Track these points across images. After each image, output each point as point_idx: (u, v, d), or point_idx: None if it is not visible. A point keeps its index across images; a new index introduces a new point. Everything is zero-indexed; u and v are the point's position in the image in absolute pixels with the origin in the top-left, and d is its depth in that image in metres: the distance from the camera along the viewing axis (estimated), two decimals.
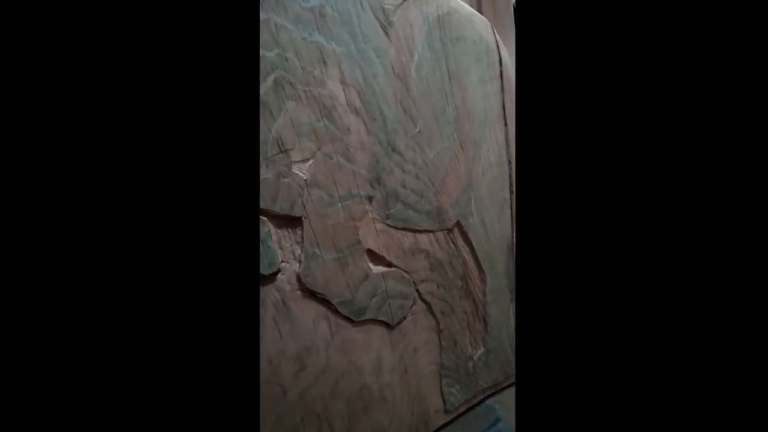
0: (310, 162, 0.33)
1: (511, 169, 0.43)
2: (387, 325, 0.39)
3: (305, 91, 0.32)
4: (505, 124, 0.42)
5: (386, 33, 0.34)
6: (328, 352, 0.36)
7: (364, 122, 0.34)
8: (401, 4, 0.34)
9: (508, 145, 0.42)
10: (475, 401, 0.46)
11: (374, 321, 0.38)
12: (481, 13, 0.40)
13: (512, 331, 0.47)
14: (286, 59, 0.31)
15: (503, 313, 0.45)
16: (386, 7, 0.34)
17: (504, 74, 0.41)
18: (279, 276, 0.34)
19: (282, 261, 0.34)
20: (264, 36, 0.30)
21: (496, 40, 0.40)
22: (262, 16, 0.30)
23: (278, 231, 0.33)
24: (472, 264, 0.43)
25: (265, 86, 0.30)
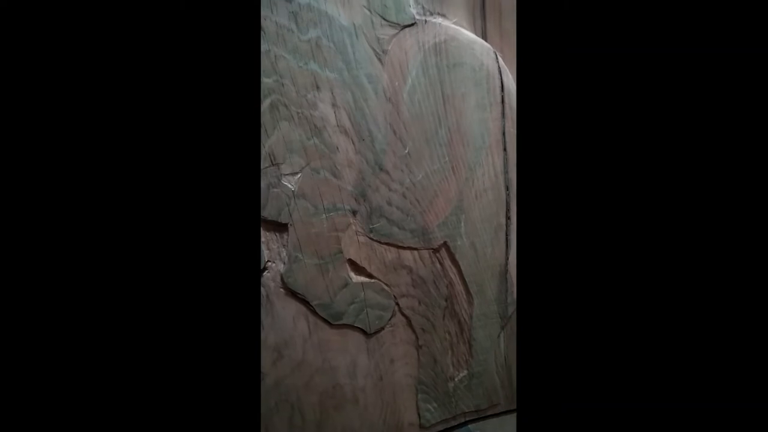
0: (299, 175, 0.36)
1: (509, 195, 0.42)
2: (364, 332, 0.41)
3: (298, 113, 0.36)
4: (505, 150, 0.41)
5: (380, 60, 0.37)
6: (305, 348, 0.40)
7: (352, 142, 0.37)
8: (397, 33, 0.37)
9: (506, 172, 0.42)
10: (454, 422, 0.46)
11: (352, 326, 0.41)
12: (486, 39, 0.40)
13: (501, 359, 0.46)
14: (283, 85, 0.35)
15: (491, 339, 0.45)
16: (381, 37, 0.36)
17: (506, 100, 0.41)
18: (265, 274, 0.38)
19: (268, 261, 0.38)
20: (264, 64, 0.34)
21: (499, 67, 0.40)
22: (264, 47, 0.34)
23: (266, 234, 0.37)
24: (459, 286, 0.43)
25: (262, 108, 0.35)
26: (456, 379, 0.45)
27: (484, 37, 0.39)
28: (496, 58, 0.39)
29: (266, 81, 0.34)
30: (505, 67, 0.40)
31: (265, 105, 0.34)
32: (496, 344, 0.45)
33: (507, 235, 0.43)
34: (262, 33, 0.34)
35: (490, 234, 0.43)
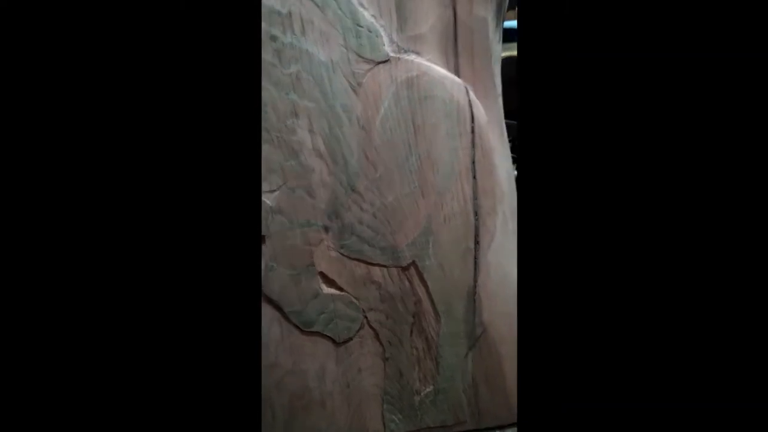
0: (276, 193, 0.41)
1: (478, 221, 0.44)
2: (334, 341, 0.44)
3: (278, 137, 0.40)
4: (474, 178, 0.43)
5: (355, 92, 0.40)
6: (277, 351, 0.43)
7: (326, 164, 0.41)
8: (371, 68, 0.40)
9: (476, 198, 0.44)
10: None
11: (321, 334, 0.44)
12: (459, 75, 0.43)
13: (469, 378, 0.47)
14: (265, 112, 0.39)
15: (458, 357, 0.46)
16: (356, 71, 0.40)
17: (477, 131, 0.43)
18: None
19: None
20: None
21: (470, 100, 0.42)
22: None
23: None
24: (427, 304, 0.45)
25: None
26: (422, 394, 0.47)
27: (457, 73, 0.42)
28: (467, 92, 0.42)
29: None
30: (476, 100, 0.42)
31: None
32: (463, 363, 0.47)
33: (476, 258, 0.45)
34: None
35: (458, 256, 0.44)
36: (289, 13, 0.38)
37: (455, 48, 0.42)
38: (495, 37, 0.42)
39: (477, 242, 0.45)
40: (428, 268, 0.44)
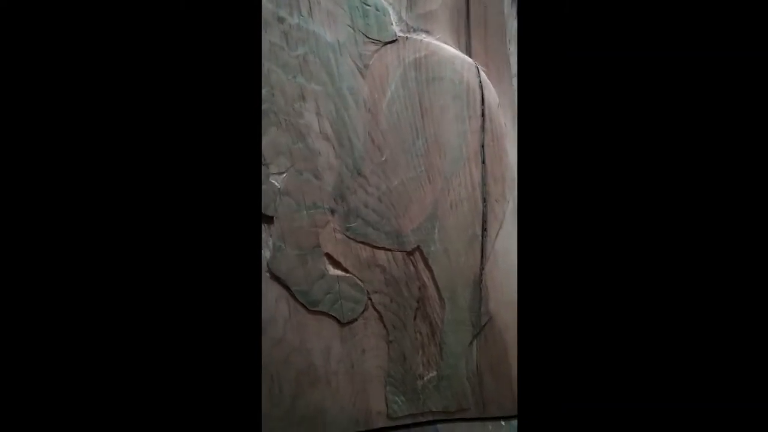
0: (284, 175, 0.41)
1: (486, 207, 0.43)
2: (338, 321, 0.45)
3: (285, 120, 0.40)
4: (483, 162, 0.42)
5: (362, 74, 0.40)
6: (285, 328, 0.45)
7: (333, 147, 0.41)
8: (378, 49, 0.39)
9: (484, 184, 0.42)
10: (422, 419, 0.48)
11: (327, 314, 0.45)
12: (471, 55, 0.41)
13: (473, 366, 0.47)
14: (273, 95, 0.39)
15: (462, 344, 0.46)
16: (363, 52, 0.39)
17: (487, 114, 0.41)
18: None
19: None
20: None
21: (480, 81, 0.40)
22: None
23: None
24: (432, 290, 0.45)
25: None
26: (425, 378, 0.47)
27: (469, 52, 0.41)
28: (478, 73, 0.40)
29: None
30: (488, 81, 0.41)
31: None
32: (467, 351, 0.46)
33: (483, 246, 0.44)
34: None
35: (464, 243, 0.44)
36: None
37: (467, 25, 0.40)
38: (511, 13, 0.40)
39: (485, 229, 0.43)
40: (433, 253, 0.44)
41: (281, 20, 0.39)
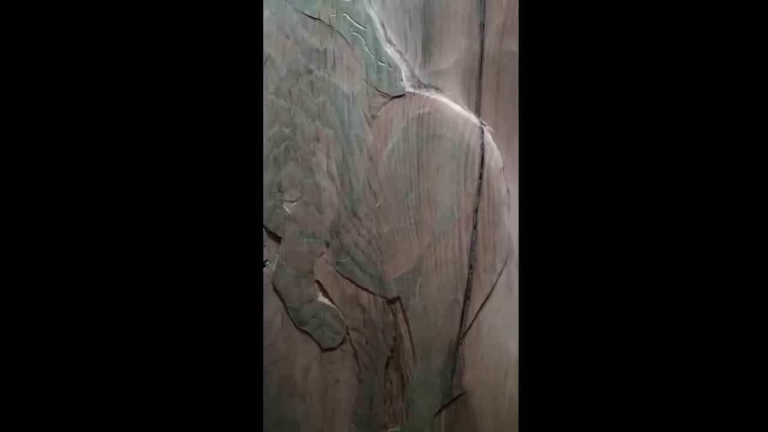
0: (294, 204, 0.46)
1: (471, 274, 0.39)
2: (320, 345, 0.48)
3: (301, 157, 0.45)
4: (475, 227, 0.39)
5: (369, 124, 0.42)
6: (277, 336, 0.50)
7: (336, 187, 0.44)
8: (386, 102, 0.41)
9: (473, 250, 0.39)
10: None
11: (311, 336, 0.48)
12: (480, 114, 0.38)
13: None
14: (295, 134, 0.45)
15: (429, 411, 0.43)
16: (372, 104, 0.41)
17: (485, 177, 0.38)
18: (264, 268, 0.50)
19: (267, 260, 0.49)
20: (284, 118, 0.45)
21: (482, 143, 0.38)
22: (286, 105, 0.45)
23: (268, 240, 0.49)
24: (407, 343, 0.44)
25: (279, 149, 0.46)
26: (388, 430, 0.46)
27: (478, 112, 0.39)
28: (482, 134, 0.38)
29: (285, 130, 0.45)
30: (492, 144, 0.38)
31: (281, 148, 0.46)
32: (435, 421, 0.43)
33: (463, 313, 0.41)
34: (288, 96, 0.45)
35: (445, 306, 0.41)
36: (325, 50, 0.43)
37: (479, 85, 0.38)
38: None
39: (467, 297, 0.40)
40: (413, 308, 0.43)
41: (310, 72, 0.44)
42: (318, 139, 0.45)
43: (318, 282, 0.47)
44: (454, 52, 0.39)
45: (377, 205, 0.43)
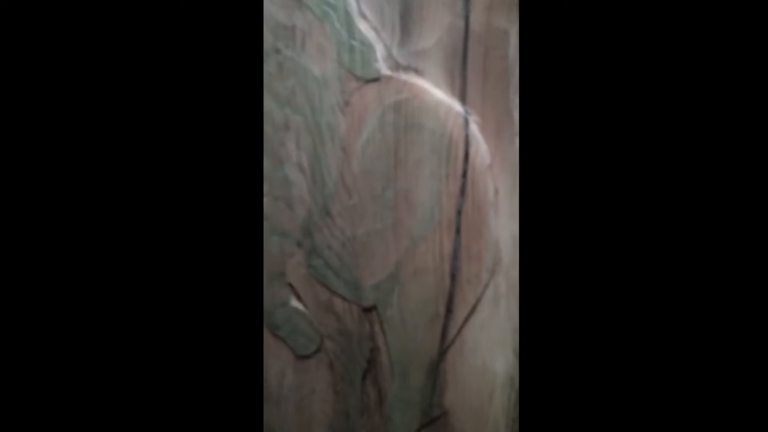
0: (265, 199, 0.42)
1: (454, 285, 0.35)
2: (294, 352, 0.44)
3: (270, 147, 0.41)
4: (458, 232, 0.34)
5: (341, 111, 0.37)
6: None
7: (306, 181, 0.40)
8: (360, 87, 0.36)
9: (456, 258, 0.34)
10: None
11: (285, 341, 0.45)
12: (465, 103, 0.32)
13: None
14: (264, 122, 0.40)
15: (408, 429, 0.39)
16: (345, 89, 0.36)
17: (470, 175, 0.33)
18: None
19: None
20: None
21: (467, 135, 0.32)
22: None
23: None
24: (384, 356, 0.40)
25: None
26: None
27: (463, 98, 0.33)
28: (466, 125, 0.33)
29: None
30: (478, 137, 0.33)
31: None
32: None
33: (445, 328, 0.36)
34: None
35: (425, 319, 0.37)
36: (293, 27, 0.38)
37: (463, 67, 0.33)
38: (518, 56, 0.31)
39: (449, 310, 0.36)
40: (390, 319, 0.38)
41: (278, 51, 0.39)
42: (288, 128, 0.40)
43: (290, 285, 0.43)
44: (436, 29, 0.33)
45: (351, 203, 0.38)
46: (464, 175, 0.34)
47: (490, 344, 0.36)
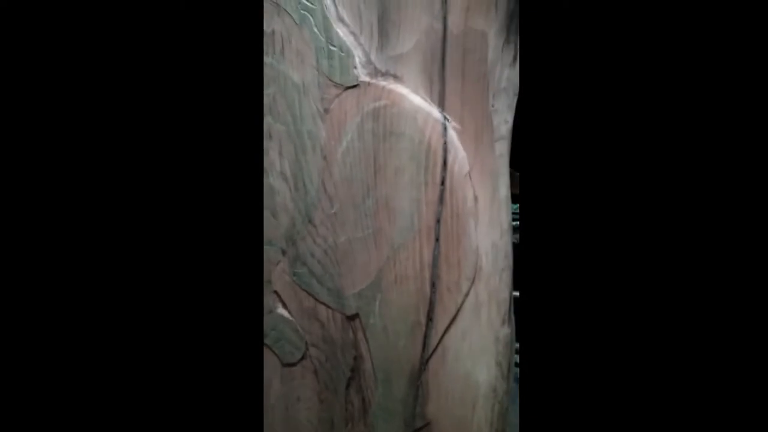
0: None
1: (434, 294, 0.34)
2: (280, 360, 0.44)
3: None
4: (437, 240, 0.33)
5: (321, 118, 0.36)
6: None
7: (289, 189, 0.39)
8: (339, 94, 0.35)
9: (435, 266, 0.34)
10: None
11: (271, 349, 0.44)
12: (444, 107, 0.32)
13: None
14: None
15: None
16: (325, 96, 0.36)
17: (448, 183, 0.32)
18: None
19: None
20: None
21: (446, 142, 0.32)
22: None
23: None
24: (368, 365, 0.39)
25: None
26: None
27: (442, 103, 0.32)
28: (444, 131, 0.32)
29: None
30: (457, 144, 0.32)
31: None
32: None
33: (426, 336, 0.36)
34: None
35: (406, 327, 0.36)
36: (273, 32, 0.37)
37: (442, 71, 0.32)
38: (498, 59, 0.30)
39: (430, 319, 0.35)
40: (372, 327, 0.38)
41: None
42: (270, 136, 0.40)
43: (276, 292, 0.43)
44: (414, 32, 0.33)
45: (333, 211, 0.38)
46: (443, 182, 0.33)
47: (472, 353, 0.35)
